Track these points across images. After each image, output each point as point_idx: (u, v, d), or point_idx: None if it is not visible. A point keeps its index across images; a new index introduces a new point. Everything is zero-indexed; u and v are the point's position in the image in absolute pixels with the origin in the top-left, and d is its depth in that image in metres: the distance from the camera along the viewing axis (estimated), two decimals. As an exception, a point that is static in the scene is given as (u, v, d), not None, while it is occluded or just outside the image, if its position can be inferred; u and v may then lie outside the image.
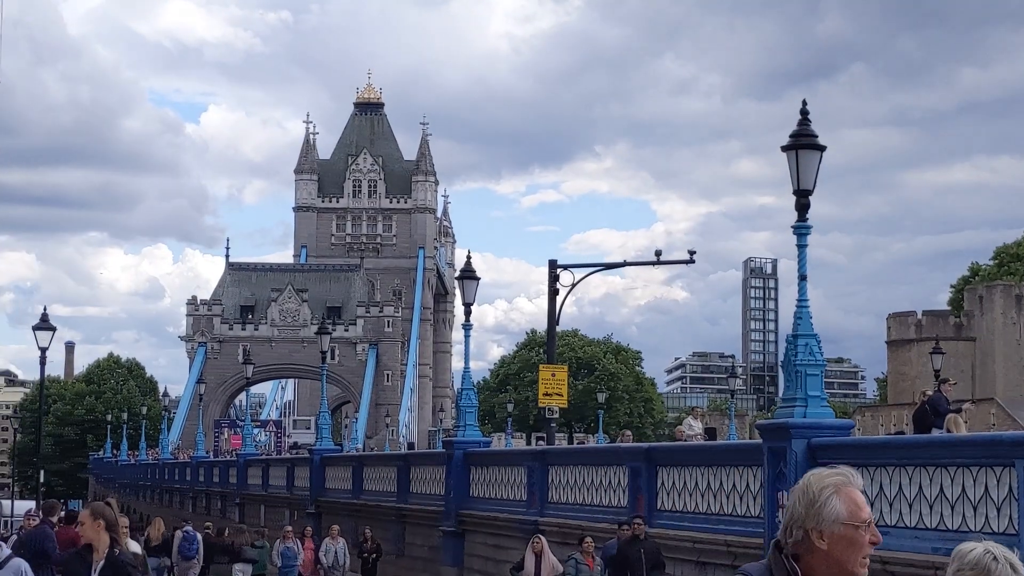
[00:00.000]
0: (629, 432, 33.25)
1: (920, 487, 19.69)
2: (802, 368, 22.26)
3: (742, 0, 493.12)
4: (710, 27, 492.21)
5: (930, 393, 26.52)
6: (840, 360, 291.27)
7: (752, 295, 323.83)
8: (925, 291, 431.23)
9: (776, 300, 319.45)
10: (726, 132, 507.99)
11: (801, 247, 22.34)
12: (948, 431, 24.30)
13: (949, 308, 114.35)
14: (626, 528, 22.28)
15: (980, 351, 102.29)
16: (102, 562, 10.48)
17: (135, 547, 14.46)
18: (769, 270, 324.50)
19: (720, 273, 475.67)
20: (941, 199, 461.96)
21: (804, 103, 22.75)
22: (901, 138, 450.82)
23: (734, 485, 24.13)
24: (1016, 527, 17.60)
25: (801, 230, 22.28)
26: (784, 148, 22.46)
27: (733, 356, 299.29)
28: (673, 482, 26.10)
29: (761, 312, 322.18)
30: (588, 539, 23.37)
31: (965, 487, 18.85)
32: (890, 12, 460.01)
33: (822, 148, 22.49)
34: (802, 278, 22.53)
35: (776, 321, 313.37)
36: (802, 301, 22.50)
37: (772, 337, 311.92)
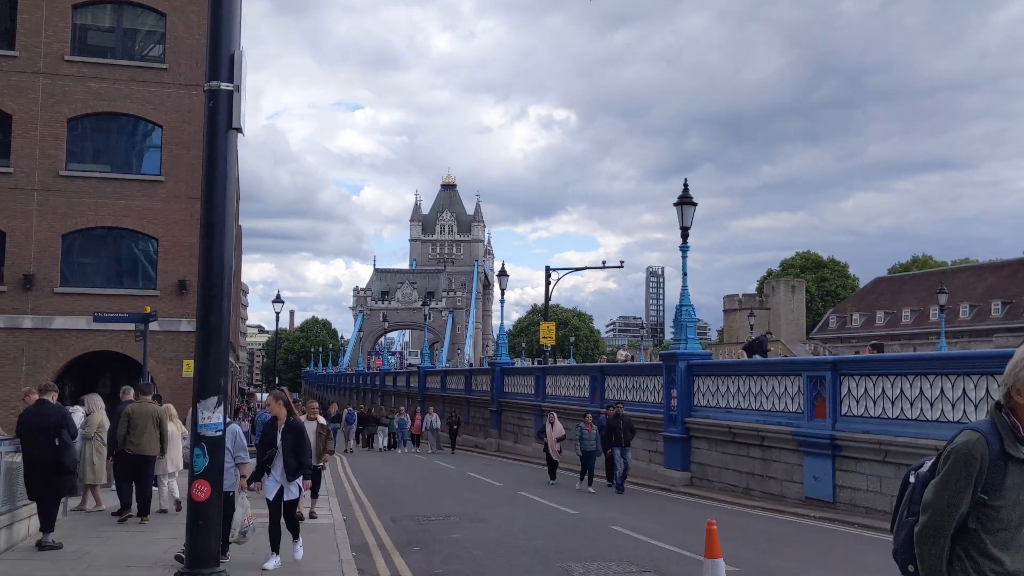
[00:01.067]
0: (604, 356, 31.95)
1: (749, 387, 19.36)
2: (684, 322, 22.18)
3: (646, 129, 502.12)
4: (630, 143, 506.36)
5: (754, 338, 25.87)
6: (697, 320, 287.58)
7: (650, 285, 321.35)
8: (743, 283, 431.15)
9: (663, 288, 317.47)
10: (637, 199, 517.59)
11: (684, 258, 22.33)
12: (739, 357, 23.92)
13: (756, 292, 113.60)
14: (611, 410, 21.34)
15: (772, 314, 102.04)
16: (283, 425, 10.18)
17: (322, 420, 14.23)
18: (660, 272, 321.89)
19: (634, 274, 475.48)
20: (751, 235, 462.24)
21: (685, 180, 22.38)
22: (729, 203, 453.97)
23: (647, 386, 23.94)
24: (802, 408, 17.44)
25: (684, 248, 22.22)
26: (675, 204, 22.21)
27: (640, 318, 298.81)
28: (615, 384, 25.90)
29: (656, 295, 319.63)
30: (588, 415, 21.82)
31: (775, 387, 18.50)
32: (723, 136, 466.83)
33: (695, 204, 22.12)
34: (684, 275, 22.42)
35: (664, 300, 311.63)
36: (684, 287, 22.43)
37: (661, 308, 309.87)
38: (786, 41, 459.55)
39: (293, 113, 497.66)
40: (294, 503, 10.41)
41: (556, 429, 22.72)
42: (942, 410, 14.44)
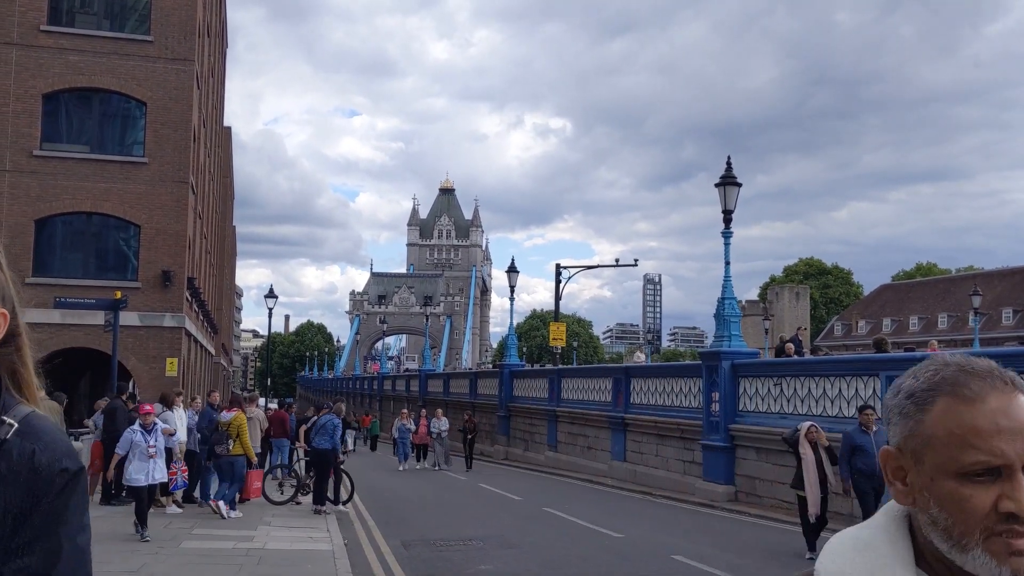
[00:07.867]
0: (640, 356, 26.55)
1: (809, 389, 16.87)
2: (728, 317, 19.56)
3: (641, 137, 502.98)
4: (625, 152, 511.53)
5: (787, 337, 23.22)
6: (693, 328, 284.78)
7: (646, 293, 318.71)
8: (746, 289, 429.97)
9: (660, 295, 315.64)
10: (632, 208, 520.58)
11: (726, 244, 19.69)
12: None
13: (759, 299, 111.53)
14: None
15: (775, 320, 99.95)
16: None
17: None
18: (656, 280, 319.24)
19: (630, 282, 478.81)
20: (746, 244, 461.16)
21: (728, 158, 19.78)
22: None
23: (681, 389, 21.35)
24: (879, 414, 14.84)
25: (727, 234, 19.62)
26: (716, 184, 19.68)
27: (637, 325, 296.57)
28: (641, 387, 23.25)
29: (652, 302, 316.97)
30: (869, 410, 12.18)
31: (842, 389, 16.03)
32: (719, 145, 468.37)
33: (739, 184, 19.58)
34: (727, 264, 19.77)
35: (661, 307, 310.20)
36: (727, 278, 19.74)
37: (658, 315, 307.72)
38: (781, 51, 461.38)
39: (290, 119, 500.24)
40: None
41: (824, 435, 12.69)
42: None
